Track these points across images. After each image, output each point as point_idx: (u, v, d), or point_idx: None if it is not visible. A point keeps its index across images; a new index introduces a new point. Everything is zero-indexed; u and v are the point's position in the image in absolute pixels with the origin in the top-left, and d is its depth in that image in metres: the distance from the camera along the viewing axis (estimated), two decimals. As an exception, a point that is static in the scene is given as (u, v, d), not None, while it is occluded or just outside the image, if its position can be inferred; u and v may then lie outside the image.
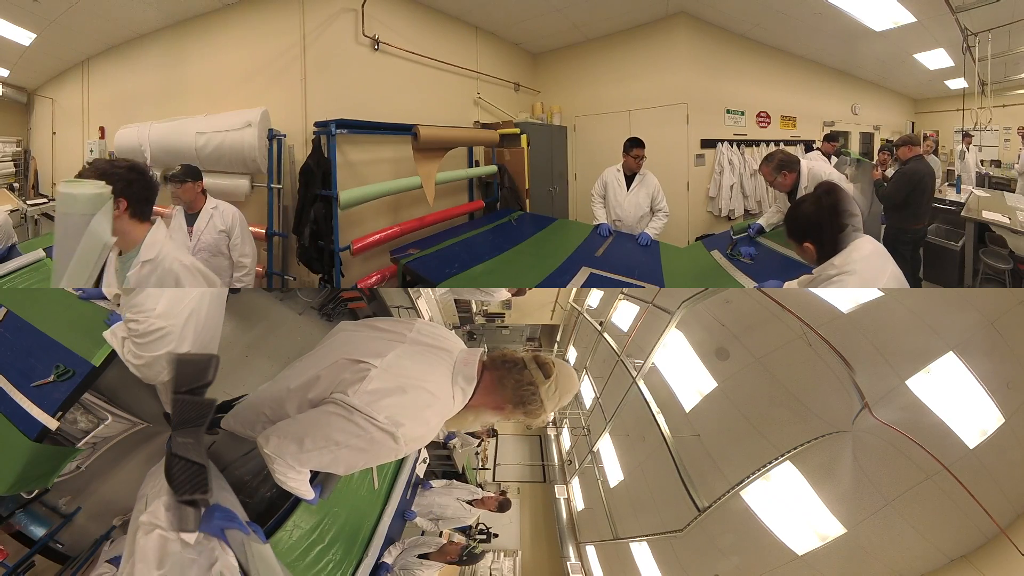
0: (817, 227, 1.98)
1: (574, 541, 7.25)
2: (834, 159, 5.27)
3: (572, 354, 9.03)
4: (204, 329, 1.95)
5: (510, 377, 1.49)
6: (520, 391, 1.47)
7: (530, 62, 6.11)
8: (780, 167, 3.18)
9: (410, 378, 1.44)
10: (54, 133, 5.97)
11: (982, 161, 6.80)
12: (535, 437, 9.98)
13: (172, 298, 1.83)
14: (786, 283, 2.33)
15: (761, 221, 3.67)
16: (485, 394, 1.51)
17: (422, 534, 4.02)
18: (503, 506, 4.44)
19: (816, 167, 3.27)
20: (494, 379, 1.51)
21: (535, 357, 1.53)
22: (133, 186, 1.78)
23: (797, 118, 6.74)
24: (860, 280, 1.93)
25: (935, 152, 6.80)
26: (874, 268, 1.97)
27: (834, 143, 5.59)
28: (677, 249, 4.02)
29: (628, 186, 4.17)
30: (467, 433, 6.21)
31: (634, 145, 4.08)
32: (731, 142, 5.92)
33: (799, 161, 3.22)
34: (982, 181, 6.50)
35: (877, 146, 7.59)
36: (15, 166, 6.25)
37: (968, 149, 6.28)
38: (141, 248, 1.81)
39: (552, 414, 1.51)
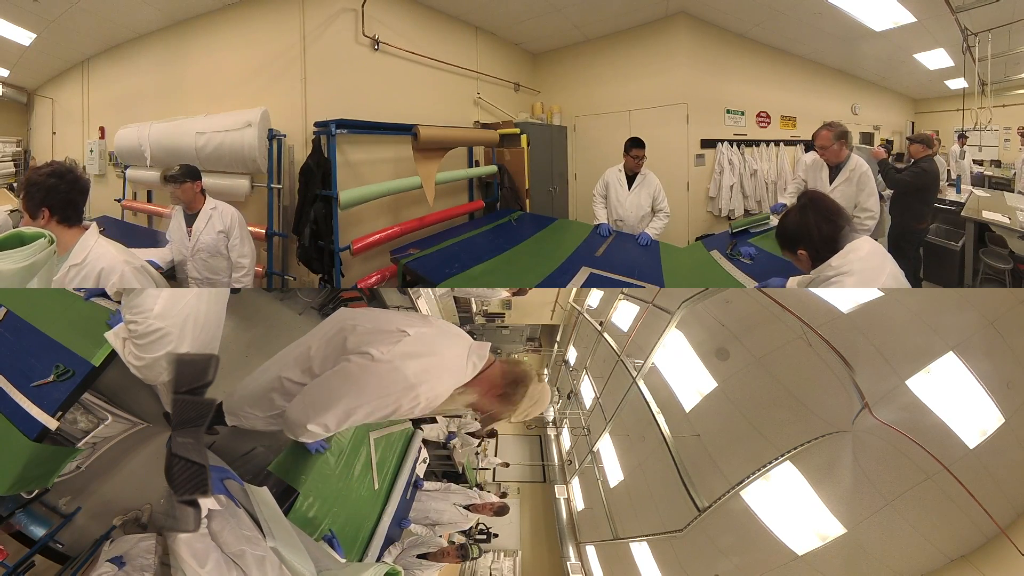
0: (806, 233, 2.00)
1: (574, 541, 7.24)
2: None
3: (572, 354, 9.02)
4: (204, 329, 1.95)
5: (513, 372, 1.73)
6: (512, 382, 1.71)
7: (530, 62, 6.11)
8: (842, 137, 3.32)
9: (436, 346, 1.68)
10: (54, 133, 5.97)
11: (980, 162, 6.80)
12: (535, 437, 9.98)
13: (169, 298, 1.83)
14: (789, 279, 2.33)
15: (784, 200, 3.72)
16: (485, 377, 1.72)
17: (422, 534, 4.01)
18: (500, 511, 4.40)
19: (864, 163, 3.42)
20: (501, 370, 1.73)
21: (538, 372, 1.81)
22: (53, 193, 1.78)
23: (797, 118, 6.74)
24: (858, 280, 1.93)
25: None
26: (872, 268, 1.97)
27: None
28: (677, 249, 4.02)
29: (630, 186, 4.17)
30: (467, 433, 6.22)
31: (634, 145, 4.07)
32: (731, 142, 5.92)
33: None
34: (979, 181, 6.50)
35: (876, 144, 7.57)
36: (15, 166, 6.25)
37: (964, 149, 6.27)
38: (71, 253, 1.83)
39: (513, 417, 1.75)
